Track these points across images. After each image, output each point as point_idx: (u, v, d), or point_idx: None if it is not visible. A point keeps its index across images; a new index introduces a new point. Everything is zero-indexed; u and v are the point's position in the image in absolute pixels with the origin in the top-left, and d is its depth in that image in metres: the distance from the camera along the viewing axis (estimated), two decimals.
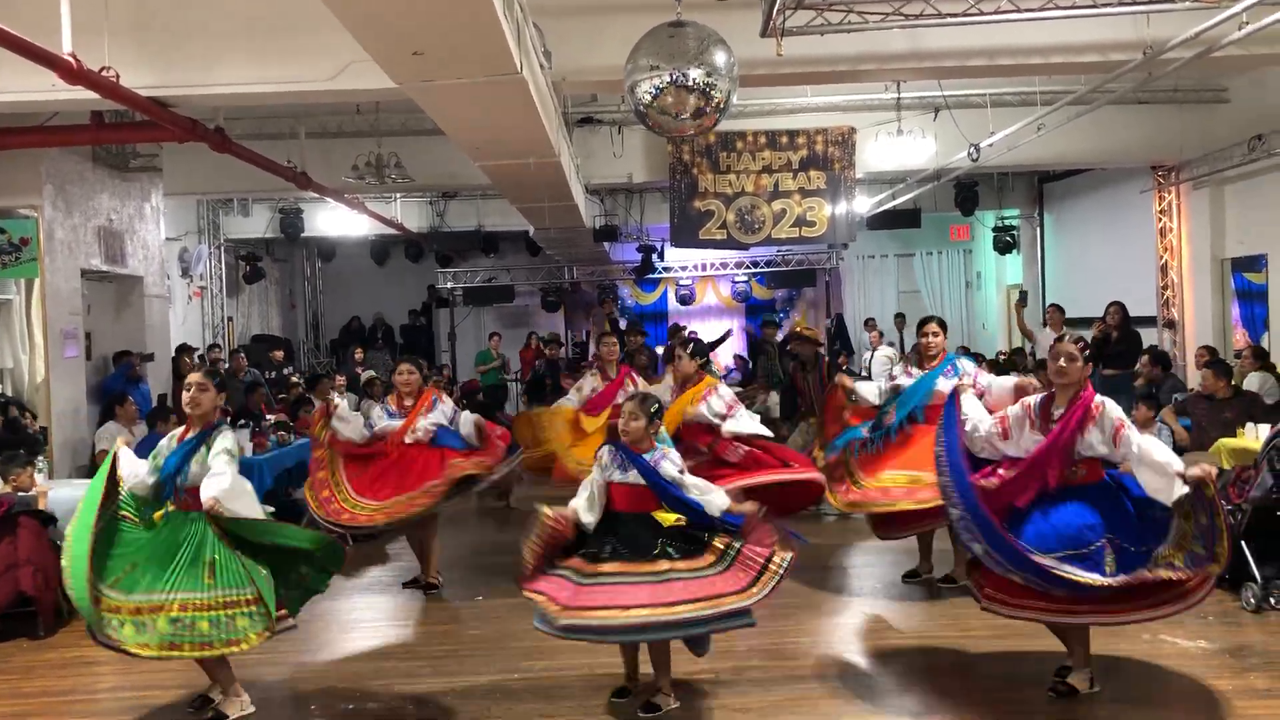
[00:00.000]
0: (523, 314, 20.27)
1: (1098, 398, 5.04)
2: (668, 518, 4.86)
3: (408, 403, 7.42)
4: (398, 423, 7.32)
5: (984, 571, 5.04)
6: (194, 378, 5.30)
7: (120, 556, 4.95)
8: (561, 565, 4.87)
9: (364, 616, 7.15)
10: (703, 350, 7.81)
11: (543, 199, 11.14)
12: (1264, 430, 7.35)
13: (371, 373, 14.89)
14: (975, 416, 5.32)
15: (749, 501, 4.97)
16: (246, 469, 8.74)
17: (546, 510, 4.93)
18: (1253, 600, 6.45)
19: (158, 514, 5.09)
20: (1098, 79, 8.79)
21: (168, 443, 5.25)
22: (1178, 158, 13.05)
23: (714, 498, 4.90)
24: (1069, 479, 4.99)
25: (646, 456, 4.95)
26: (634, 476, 4.92)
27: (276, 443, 9.62)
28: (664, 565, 4.73)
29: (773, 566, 4.65)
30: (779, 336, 14.33)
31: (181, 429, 5.33)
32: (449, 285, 19.68)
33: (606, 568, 4.77)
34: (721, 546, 4.78)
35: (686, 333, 18.74)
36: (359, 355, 17.00)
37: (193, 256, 15.76)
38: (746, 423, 7.01)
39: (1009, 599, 5.00)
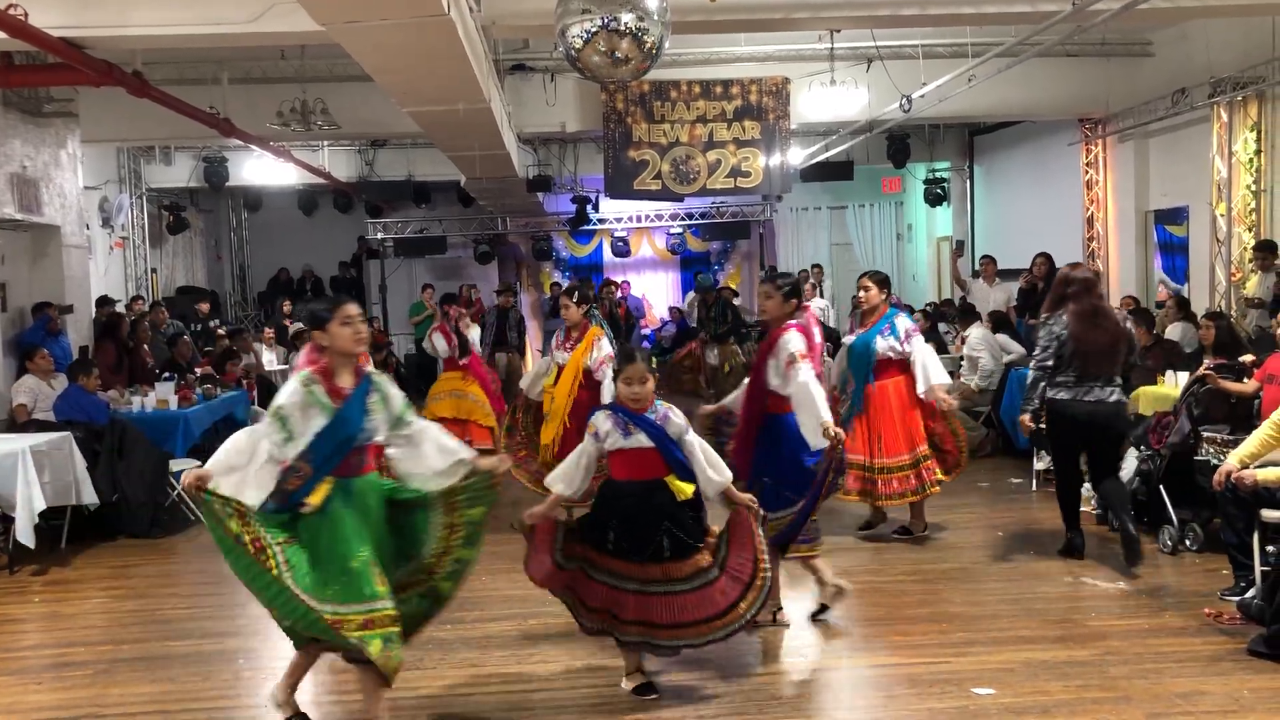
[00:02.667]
0: (455, 265, 20.04)
1: (787, 334, 5.20)
2: (683, 488, 4.45)
3: None
4: None
5: None
6: (356, 309, 4.21)
7: (318, 571, 3.99)
8: (573, 557, 4.51)
9: None
10: (588, 298, 7.72)
11: (474, 147, 10.97)
12: (1183, 378, 7.53)
13: (300, 325, 14.67)
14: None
15: (748, 494, 4.60)
16: (173, 422, 8.71)
17: (525, 522, 4.46)
18: (1169, 542, 6.64)
19: (315, 496, 4.02)
20: (1027, 30, 8.84)
21: (307, 394, 4.06)
22: (1104, 111, 13.23)
23: (714, 475, 4.50)
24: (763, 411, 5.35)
25: (650, 415, 4.50)
26: (639, 440, 4.45)
27: (203, 396, 9.43)
28: (656, 572, 4.42)
29: (759, 582, 4.40)
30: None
31: (317, 375, 4.12)
32: (379, 236, 19.38)
33: (612, 564, 4.47)
34: (714, 542, 4.50)
35: (620, 286, 18.82)
36: (287, 308, 16.76)
37: (113, 206, 15.30)
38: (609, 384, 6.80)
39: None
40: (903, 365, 6.82)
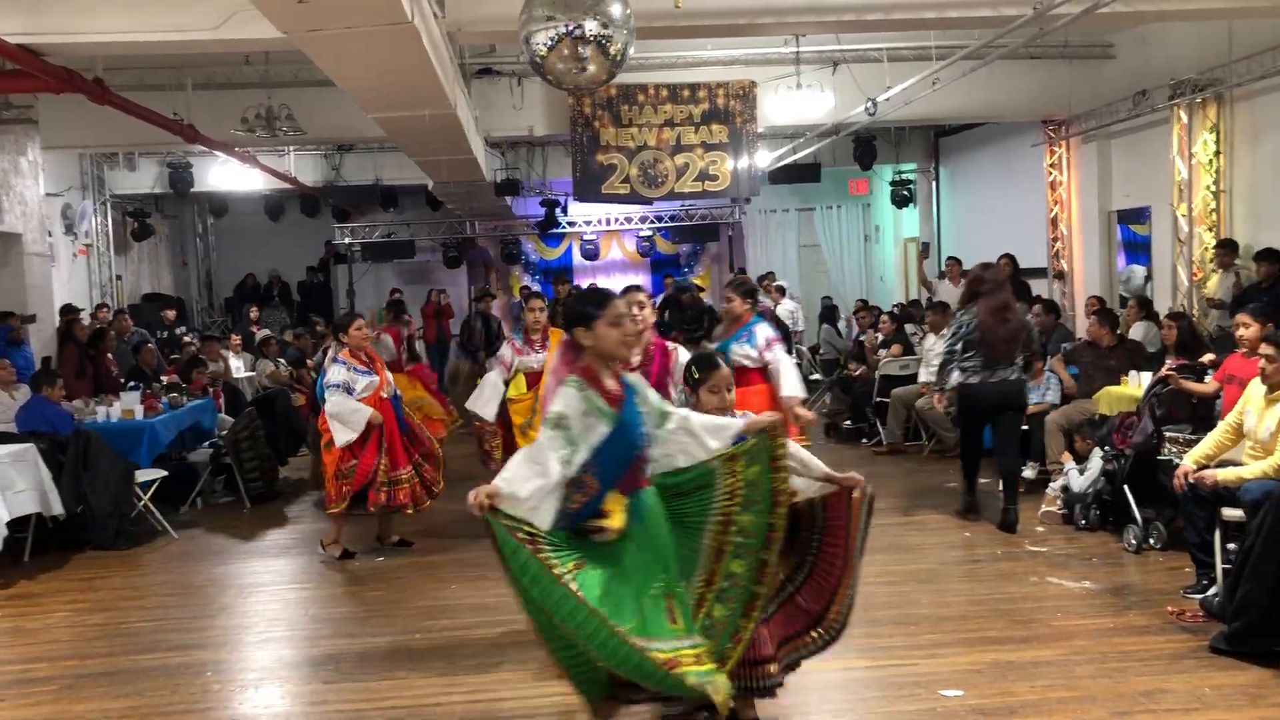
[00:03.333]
0: (424, 270, 19.97)
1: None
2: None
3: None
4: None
5: None
6: (625, 306, 3.94)
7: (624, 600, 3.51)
8: None
9: (262, 580, 7.03)
10: (553, 306, 7.65)
11: (440, 152, 10.93)
12: (1146, 378, 7.61)
13: (267, 331, 14.59)
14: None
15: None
16: (139, 431, 8.63)
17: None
18: (1134, 541, 6.71)
19: (615, 519, 3.58)
20: (990, 34, 8.92)
21: (585, 401, 3.61)
22: (1067, 112, 13.35)
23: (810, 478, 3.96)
24: None
25: None
26: None
27: (169, 405, 9.35)
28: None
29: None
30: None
31: (585, 379, 3.66)
32: (347, 241, 19.29)
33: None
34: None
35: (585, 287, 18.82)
36: (254, 314, 16.65)
37: (76, 213, 15.15)
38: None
39: None
40: (764, 374, 6.55)
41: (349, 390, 7.06)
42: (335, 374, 7.11)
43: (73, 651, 5.62)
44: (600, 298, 3.76)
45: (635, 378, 3.80)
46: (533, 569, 3.35)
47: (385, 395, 7.24)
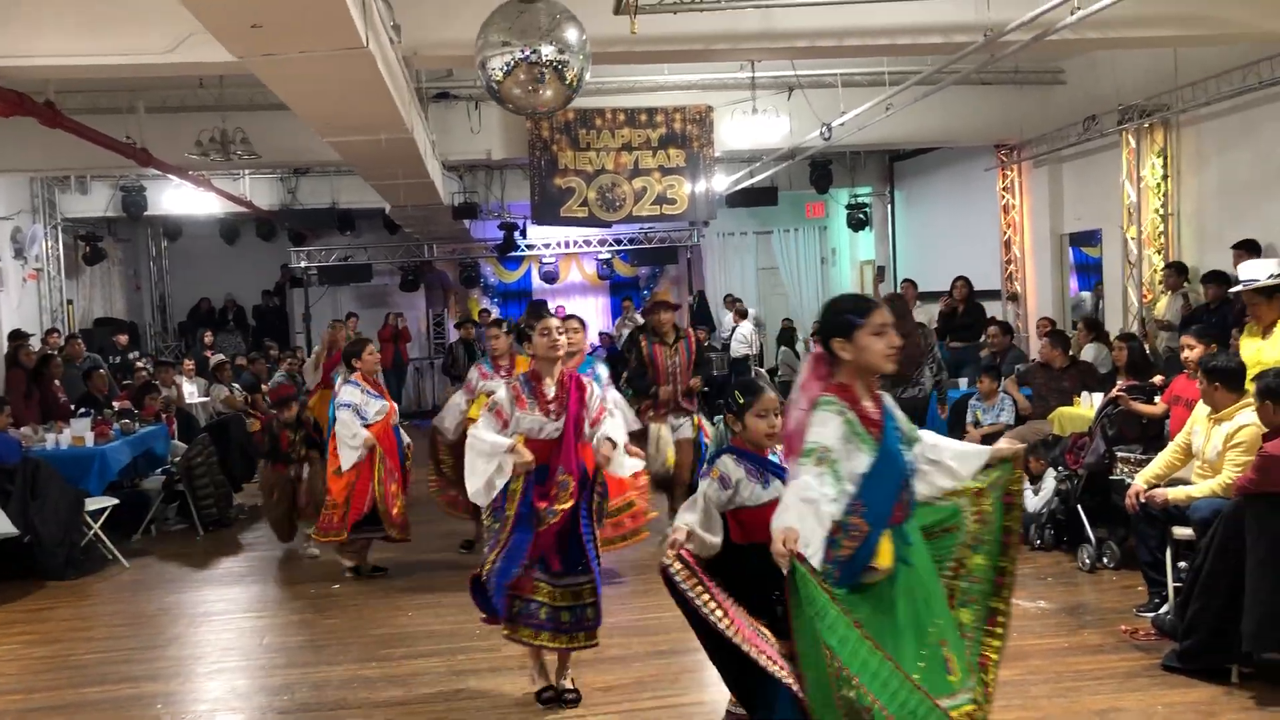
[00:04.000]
0: (381, 293, 19.85)
1: (583, 377, 5.12)
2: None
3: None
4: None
5: None
6: (889, 315, 3.33)
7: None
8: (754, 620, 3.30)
9: (215, 609, 6.92)
10: (517, 327, 7.59)
11: (397, 176, 10.90)
12: (1098, 399, 7.72)
13: (221, 356, 14.43)
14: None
15: None
16: (89, 459, 8.49)
17: (674, 560, 3.28)
18: (1087, 560, 6.79)
19: (884, 557, 3.10)
20: (942, 60, 9.04)
21: (846, 426, 3.12)
22: (1019, 136, 13.56)
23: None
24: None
25: (774, 457, 3.74)
26: (776, 490, 3.53)
27: (121, 431, 9.21)
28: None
29: None
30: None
31: (844, 400, 3.19)
32: (303, 264, 19.12)
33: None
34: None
35: (554, 309, 18.80)
36: (208, 338, 16.47)
37: (26, 237, 14.92)
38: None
39: None
40: None
41: (360, 413, 7.05)
42: (348, 394, 7.12)
43: (19, 685, 5.50)
44: (863, 305, 3.25)
45: (888, 398, 3.34)
46: (840, 628, 2.87)
47: (393, 423, 7.31)
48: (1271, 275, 6.09)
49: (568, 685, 4.94)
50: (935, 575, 3.26)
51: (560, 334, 4.95)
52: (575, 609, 4.80)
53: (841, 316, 3.22)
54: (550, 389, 4.83)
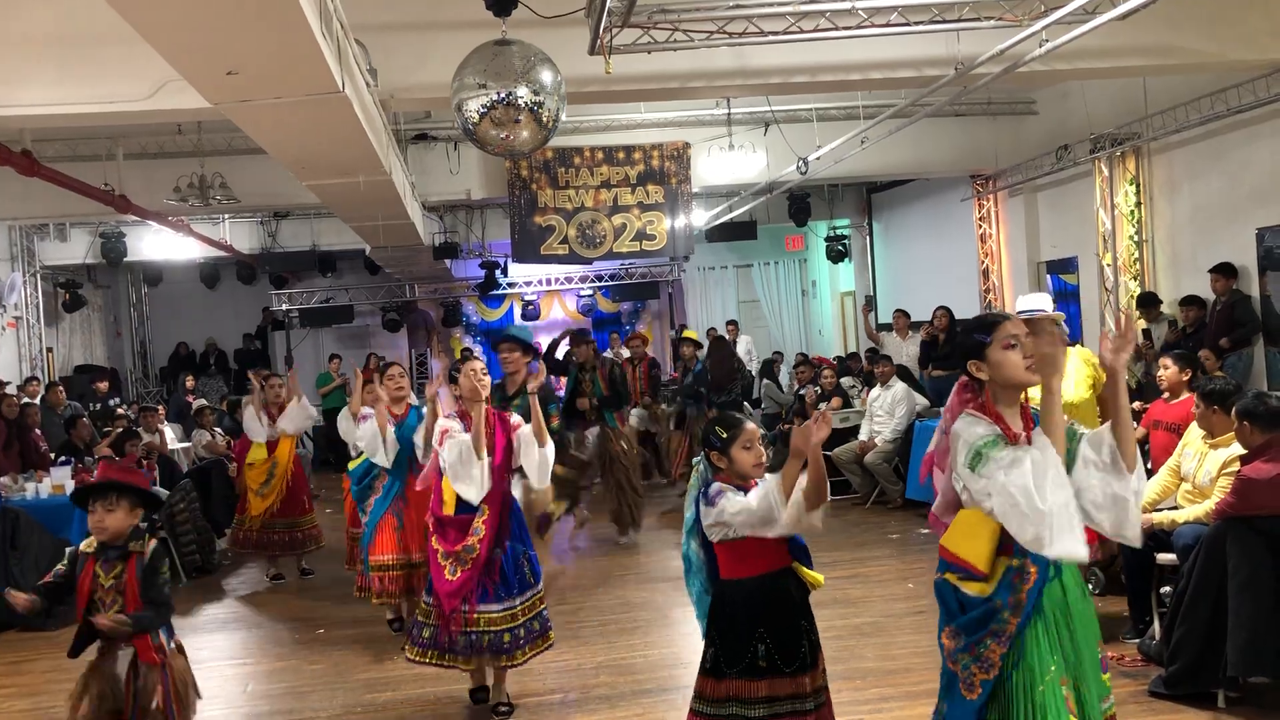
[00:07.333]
0: (363, 334, 19.84)
1: (511, 417, 5.36)
2: (815, 577, 3.68)
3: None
4: None
5: None
6: (1019, 327, 3.22)
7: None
8: (723, 700, 3.60)
9: (199, 655, 6.81)
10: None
11: (377, 218, 10.91)
12: None
13: (203, 401, 14.36)
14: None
15: None
16: (70, 508, 8.38)
17: None
18: None
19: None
20: (915, 93, 9.15)
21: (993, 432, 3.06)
22: (993, 167, 13.70)
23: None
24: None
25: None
26: None
27: None
28: (806, 684, 3.61)
29: None
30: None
31: (984, 418, 3.12)
32: (285, 307, 19.10)
33: (771, 688, 3.55)
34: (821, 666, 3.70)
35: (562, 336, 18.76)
36: (190, 383, 16.39)
37: (5, 285, 14.88)
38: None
39: None
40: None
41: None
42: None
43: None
44: (987, 322, 3.19)
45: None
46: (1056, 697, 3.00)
47: None
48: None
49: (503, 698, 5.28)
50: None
51: (485, 375, 5.20)
52: (515, 628, 5.06)
53: (970, 337, 3.19)
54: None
